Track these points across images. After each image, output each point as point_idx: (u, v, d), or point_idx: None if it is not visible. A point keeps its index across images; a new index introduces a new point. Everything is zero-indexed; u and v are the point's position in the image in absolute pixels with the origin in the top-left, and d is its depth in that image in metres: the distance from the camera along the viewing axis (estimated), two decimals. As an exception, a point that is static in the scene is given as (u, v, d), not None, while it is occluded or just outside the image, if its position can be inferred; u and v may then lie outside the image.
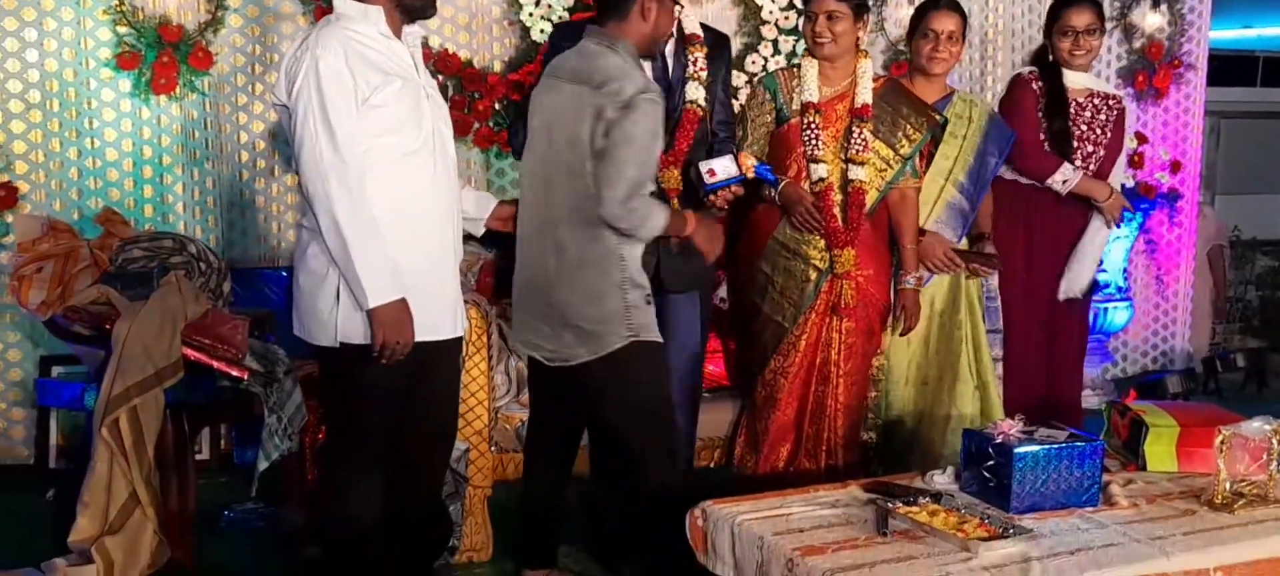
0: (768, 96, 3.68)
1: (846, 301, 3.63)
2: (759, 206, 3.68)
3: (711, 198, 3.46)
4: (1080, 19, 4.02)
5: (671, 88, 3.54)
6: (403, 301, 2.79)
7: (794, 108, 3.64)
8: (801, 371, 3.68)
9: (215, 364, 3.40)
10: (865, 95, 3.65)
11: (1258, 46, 8.13)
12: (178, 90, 4.43)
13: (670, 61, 3.56)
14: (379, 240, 2.76)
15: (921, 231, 3.77)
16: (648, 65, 3.49)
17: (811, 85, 3.63)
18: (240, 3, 4.50)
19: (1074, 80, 4.08)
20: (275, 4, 4.55)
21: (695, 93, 3.55)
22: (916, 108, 3.73)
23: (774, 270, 3.66)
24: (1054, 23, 4.08)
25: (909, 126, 3.69)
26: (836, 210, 3.61)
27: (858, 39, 3.63)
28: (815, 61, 3.64)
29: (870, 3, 3.70)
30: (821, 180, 3.60)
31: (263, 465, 3.52)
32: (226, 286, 3.83)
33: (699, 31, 3.61)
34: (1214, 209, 6.84)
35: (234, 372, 3.43)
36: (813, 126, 3.62)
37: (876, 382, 3.85)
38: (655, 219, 3.07)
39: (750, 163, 3.52)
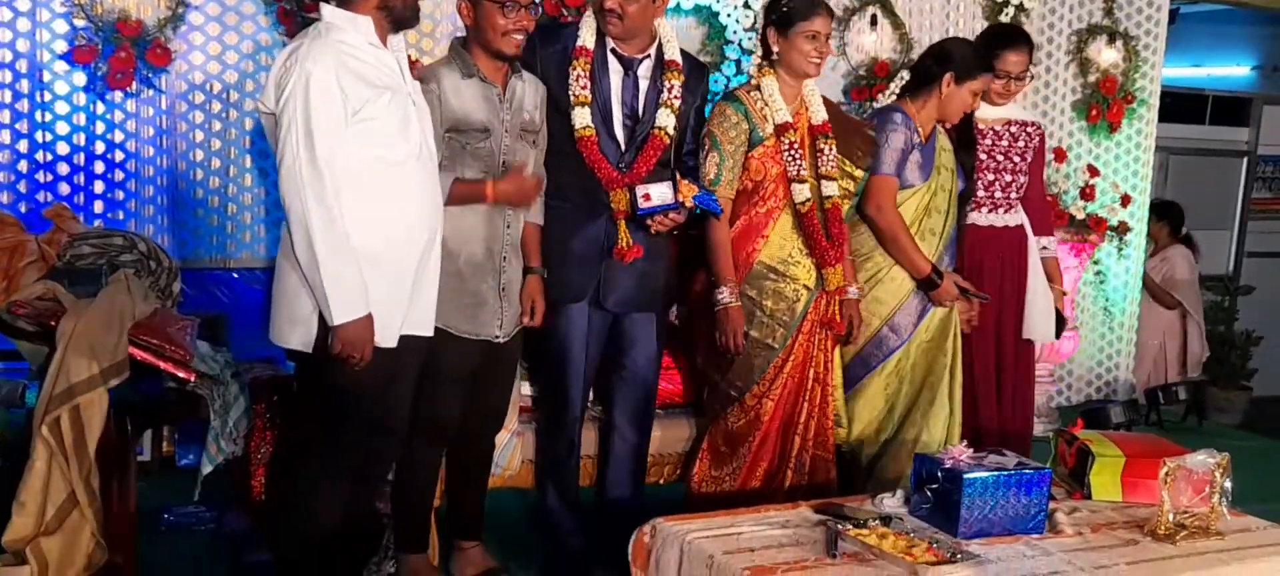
0: (740, 117, 3.60)
1: (835, 316, 3.67)
2: (736, 230, 3.63)
3: (648, 221, 3.46)
4: (1017, 63, 4.06)
5: (643, 110, 3.54)
6: (367, 317, 2.85)
7: (767, 130, 3.61)
8: (789, 391, 3.67)
9: (162, 364, 3.33)
10: (821, 113, 3.68)
11: (1208, 86, 8.29)
12: (134, 86, 4.36)
13: (644, 84, 3.55)
14: (350, 257, 2.82)
15: (939, 273, 3.79)
16: (618, 79, 3.50)
17: (781, 104, 3.61)
18: (202, 1, 4.45)
19: (992, 111, 4.12)
20: (237, 3, 4.50)
21: (665, 119, 3.53)
22: (853, 126, 3.82)
23: (761, 294, 3.62)
24: (989, 57, 4.04)
25: (855, 146, 3.72)
26: (820, 228, 3.62)
27: None
28: (776, 81, 3.63)
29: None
30: (807, 200, 3.60)
31: (207, 469, 3.47)
32: (177, 287, 3.77)
33: (679, 58, 3.58)
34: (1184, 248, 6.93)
35: (181, 374, 3.37)
36: (793, 147, 3.60)
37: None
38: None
39: (691, 191, 3.47)
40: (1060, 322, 4.31)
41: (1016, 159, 4.17)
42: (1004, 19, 5.55)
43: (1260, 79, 9.35)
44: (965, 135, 4.04)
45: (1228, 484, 2.99)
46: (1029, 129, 4.22)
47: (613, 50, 3.51)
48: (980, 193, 4.13)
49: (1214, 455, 2.98)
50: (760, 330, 3.62)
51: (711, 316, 3.58)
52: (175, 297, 3.75)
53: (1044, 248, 4.29)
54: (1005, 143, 4.15)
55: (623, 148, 3.52)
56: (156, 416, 3.85)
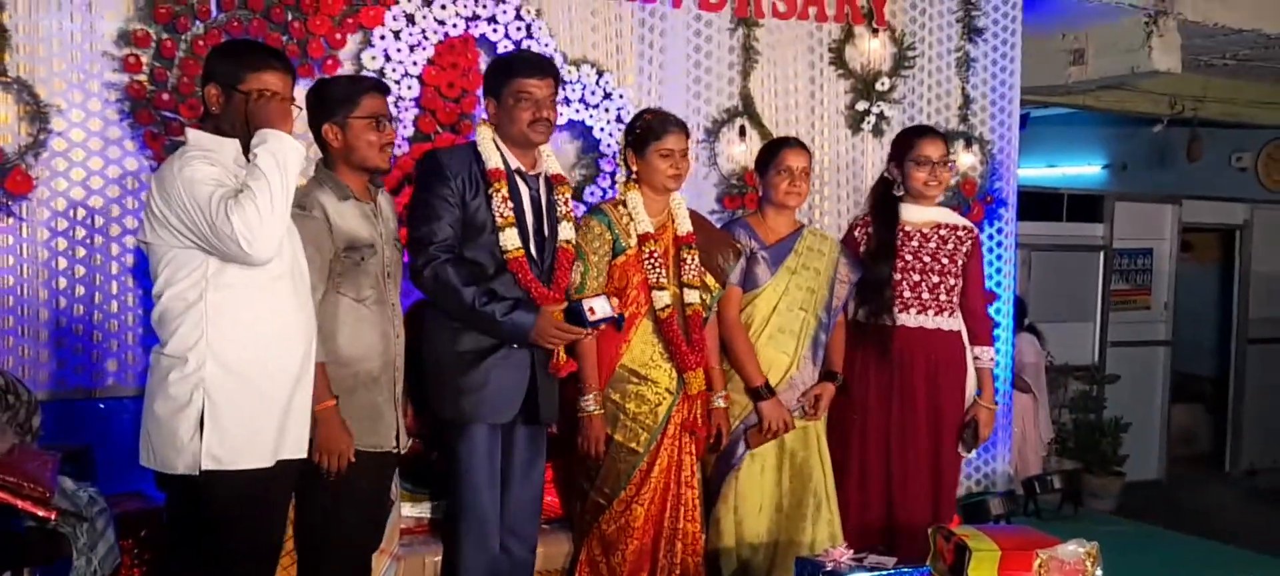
0: (604, 229, 3.75)
1: (699, 420, 3.74)
2: (598, 337, 3.69)
3: (590, 332, 3.55)
4: (935, 150, 4.19)
5: (546, 225, 3.64)
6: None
7: (631, 240, 3.71)
8: (657, 496, 3.71)
9: (20, 503, 3.20)
10: (686, 224, 3.85)
11: (1062, 184, 8.71)
12: (-9, 215, 4.23)
13: (543, 199, 3.64)
14: None
15: (769, 389, 3.88)
16: (528, 197, 3.62)
17: (644, 216, 3.75)
18: (65, 126, 4.35)
19: (919, 214, 4.22)
20: (102, 128, 4.41)
21: (567, 232, 3.65)
22: (719, 237, 3.97)
23: (624, 397, 3.71)
24: (907, 153, 4.19)
25: (718, 255, 3.85)
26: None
27: None
28: (640, 194, 3.75)
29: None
30: (666, 307, 3.71)
31: (71, 611, 3.32)
32: (36, 420, 3.64)
33: (561, 171, 3.73)
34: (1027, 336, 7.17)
35: (40, 513, 3.24)
36: (654, 256, 3.70)
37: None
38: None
39: (615, 302, 3.60)
40: (975, 438, 4.27)
41: (945, 260, 4.18)
42: (866, 127, 5.74)
43: (1110, 176, 9.84)
44: (883, 241, 4.11)
45: (1099, 572, 3.08)
46: (959, 232, 4.24)
47: (516, 170, 3.57)
48: (906, 293, 4.15)
49: (1084, 544, 3.08)
50: (624, 433, 3.70)
51: (577, 424, 3.67)
52: (35, 432, 3.62)
53: (976, 357, 4.26)
54: (933, 244, 4.18)
55: (542, 265, 3.57)
56: (17, 557, 3.67)
